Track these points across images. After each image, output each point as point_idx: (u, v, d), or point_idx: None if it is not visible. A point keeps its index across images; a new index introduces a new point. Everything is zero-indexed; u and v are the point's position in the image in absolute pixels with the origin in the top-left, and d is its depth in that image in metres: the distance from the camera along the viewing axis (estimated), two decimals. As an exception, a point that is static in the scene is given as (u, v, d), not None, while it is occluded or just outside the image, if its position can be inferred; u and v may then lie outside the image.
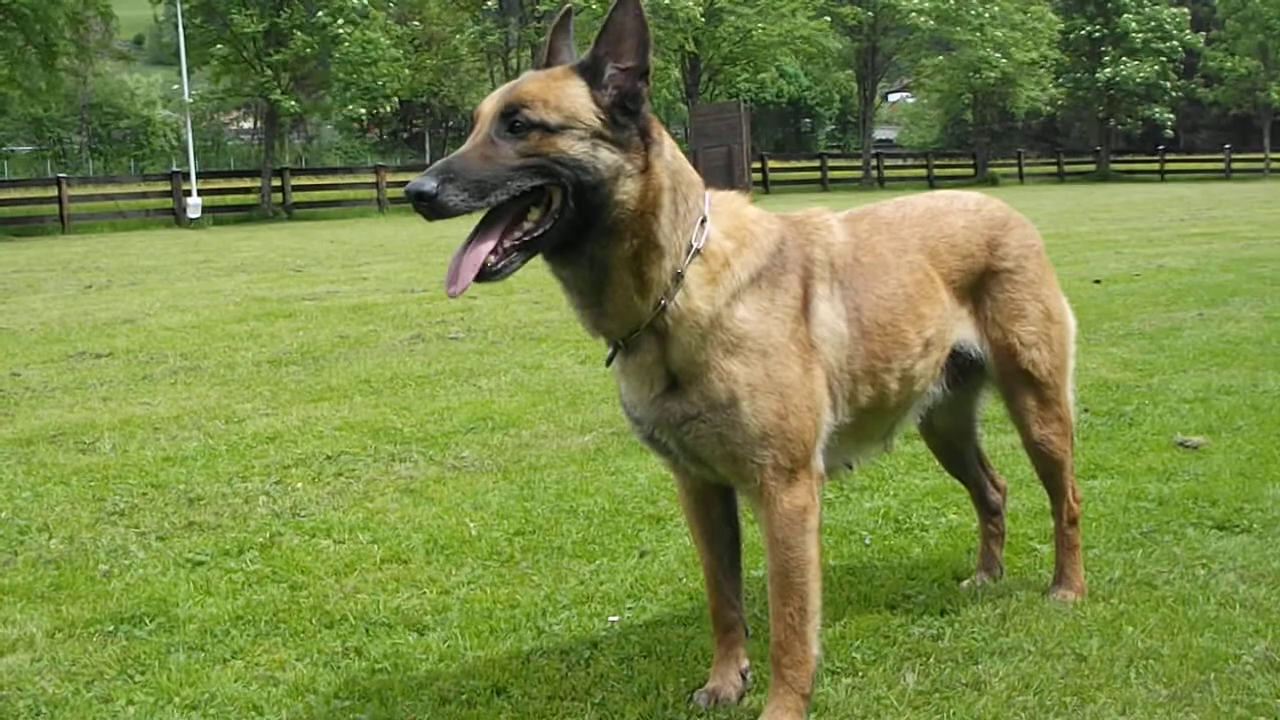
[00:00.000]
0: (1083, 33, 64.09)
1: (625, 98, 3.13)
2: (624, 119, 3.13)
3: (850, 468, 4.09)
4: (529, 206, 3.11)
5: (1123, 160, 66.72)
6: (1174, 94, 65.16)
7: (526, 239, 3.11)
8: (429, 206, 3.00)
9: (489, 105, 3.16)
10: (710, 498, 3.74)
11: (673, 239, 3.25)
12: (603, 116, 3.11)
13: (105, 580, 5.00)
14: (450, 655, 4.14)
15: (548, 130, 3.07)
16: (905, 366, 3.79)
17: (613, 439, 6.97)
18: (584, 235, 3.15)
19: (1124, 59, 62.65)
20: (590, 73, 3.14)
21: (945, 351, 4.01)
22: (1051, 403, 4.22)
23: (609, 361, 3.46)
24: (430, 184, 2.99)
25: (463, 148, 3.12)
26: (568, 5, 3.50)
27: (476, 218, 3.12)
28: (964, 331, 4.10)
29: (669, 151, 3.27)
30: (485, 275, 3.08)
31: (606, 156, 3.10)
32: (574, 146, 3.07)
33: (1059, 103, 64.11)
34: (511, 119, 3.09)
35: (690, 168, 3.36)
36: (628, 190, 3.14)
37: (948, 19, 55.56)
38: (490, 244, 3.09)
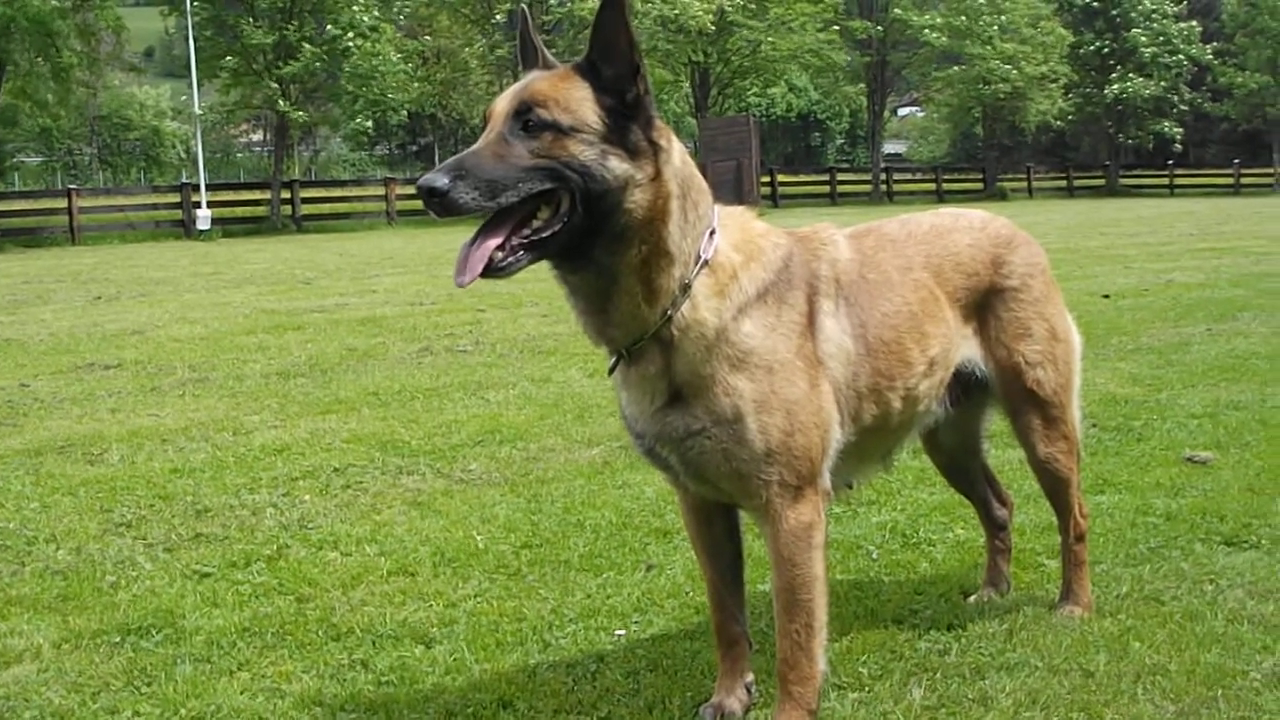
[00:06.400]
0: (1092, 48, 64.12)
1: (623, 98, 3.13)
2: (626, 123, 3.13)
3: (850, 487, 4.09)
4: (539, 205, 3.10)
5: (1132, 175, 66.64)
6: (1183, 108, 65.17)
7: (535, 238, 3.09)
8: (440, 204, 2.99)
9: (502, 104, 3.16)
10: (712, 514, 3.74)
11: (682, 246, 3.24)
12: (607, 120, 3.11)
13: (112, 591, 5.00)
14: (457, 668, 4.14)
15: (560, 131, 3.07)
16: (909, 385, 3.78)
17: (620, 453, 6.97)
18: (592, 241, 3.14)
19: (1132, 74, 62.69)
20: (591, 75, 3.15)
21: (949, 371, 4.00)
22: (1057, 421, 4.21)
23: (611, 371, 3.46)
24: (442, 180, 2.98)
25: (475, 145, 3.11)
26: (522, 4, 3.53)
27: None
28: (969, 350, 4.09)
29: (678, 158, 3.26)
30: (492, 270, 3.07)
31: (616, 165, 3.10)
32: (584, 152, 3.07)
33: (1069, 117, 64.07)
34: (525, 118, 3.08)
35: (700, 176, 3.36)
36: (636, 199, 3.14)
37: (959, 34, 55.66)
38: (498, 239, 3.07)
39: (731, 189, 34.94)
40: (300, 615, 4.67)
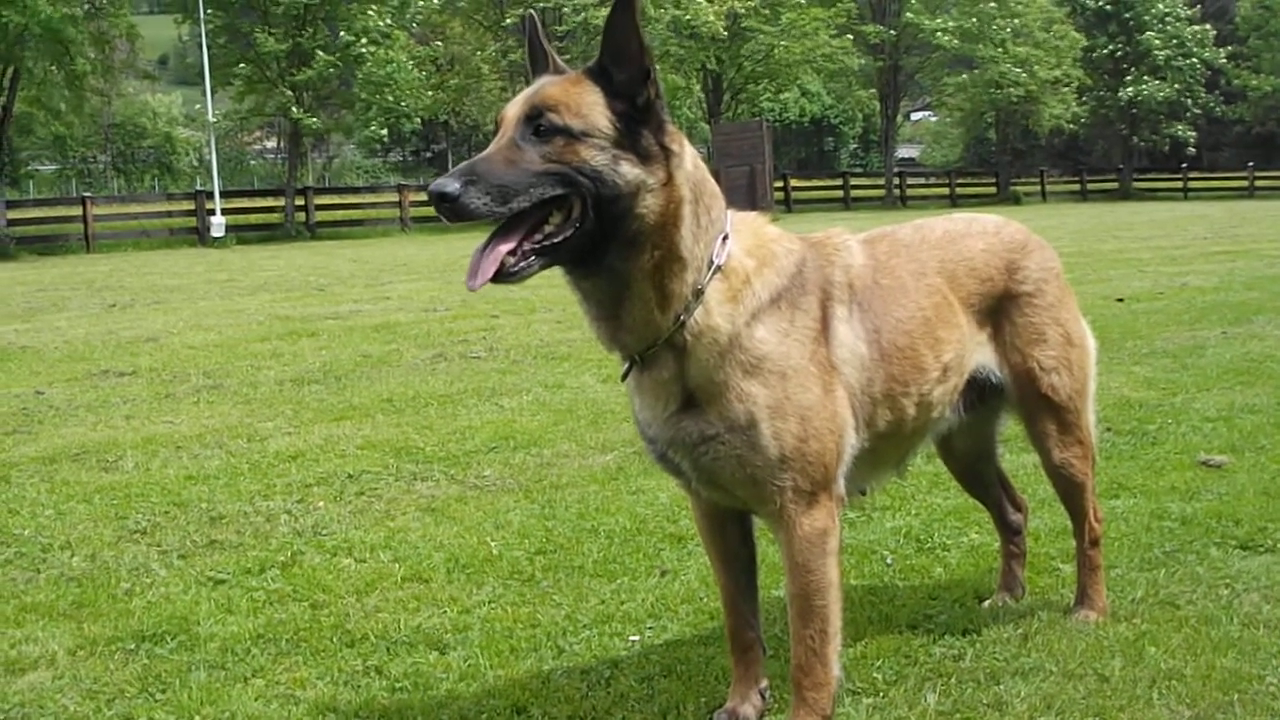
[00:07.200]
0: (1105, 51, 63.99)
1: (634, 103, 3.13)
2: (637, 127, 3.13)
3: (864, 493, 4.08)
4: (551, 210, 3.10)
5: (1146, 178, 66.41)
6: (1196, 112, 64.99)
7: (546, 243, 3.10)
8: (451, 209, 3.00)
9: (513, 109, 3.16)
10: (726, 519, 3.73)
11: (695, 251, 3.24)
12: (619, 125, 3.11)
13: (127, 598, 5.01)
14: (471, 674, 4.14)
15: (571, 136, 3.07)
16: (923, 391, 3.78)
17: (634, 458, 6.96)
18: (604, 246, 3.14)
19: (1146, 77, 62.57)
20: (602, 79, 3.15)
21: (964, 377, 3.99)
22: (1072, 427, 4.20)
23: (624, 377, 3.46)
24: (453, 185, 2.99)
25: (487, 150, 3.12)
26: (531, 10, 3.53)
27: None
28: (983, 356, 4.08)
29: (690, 162, 3.26)
30: (503, 275, 3.08)
31: (627, 171, 3.10)
32: (595, 157, 3.07)
33: (1082, 120, 63.91)
34: (536, 122, 3.09)
35: (712, 180, 3.35)
36: (648, 205, 3.13)
37: (971, 37, 55.59)
38: (511, 244, 3.08)
39: (745, 194, 34.96)
40: (314, 622, 4.67)
